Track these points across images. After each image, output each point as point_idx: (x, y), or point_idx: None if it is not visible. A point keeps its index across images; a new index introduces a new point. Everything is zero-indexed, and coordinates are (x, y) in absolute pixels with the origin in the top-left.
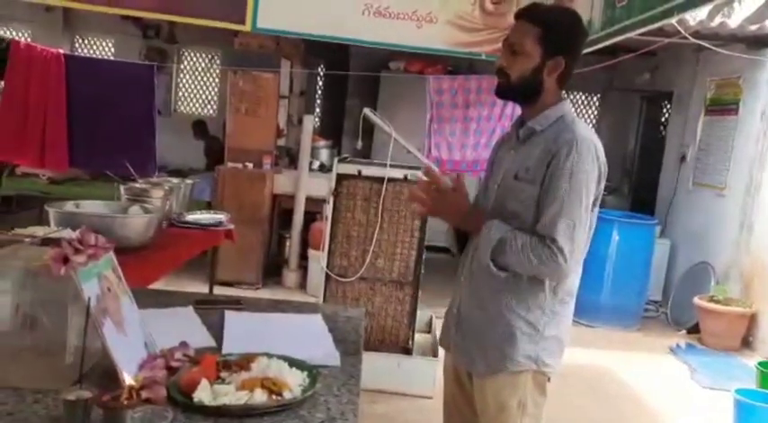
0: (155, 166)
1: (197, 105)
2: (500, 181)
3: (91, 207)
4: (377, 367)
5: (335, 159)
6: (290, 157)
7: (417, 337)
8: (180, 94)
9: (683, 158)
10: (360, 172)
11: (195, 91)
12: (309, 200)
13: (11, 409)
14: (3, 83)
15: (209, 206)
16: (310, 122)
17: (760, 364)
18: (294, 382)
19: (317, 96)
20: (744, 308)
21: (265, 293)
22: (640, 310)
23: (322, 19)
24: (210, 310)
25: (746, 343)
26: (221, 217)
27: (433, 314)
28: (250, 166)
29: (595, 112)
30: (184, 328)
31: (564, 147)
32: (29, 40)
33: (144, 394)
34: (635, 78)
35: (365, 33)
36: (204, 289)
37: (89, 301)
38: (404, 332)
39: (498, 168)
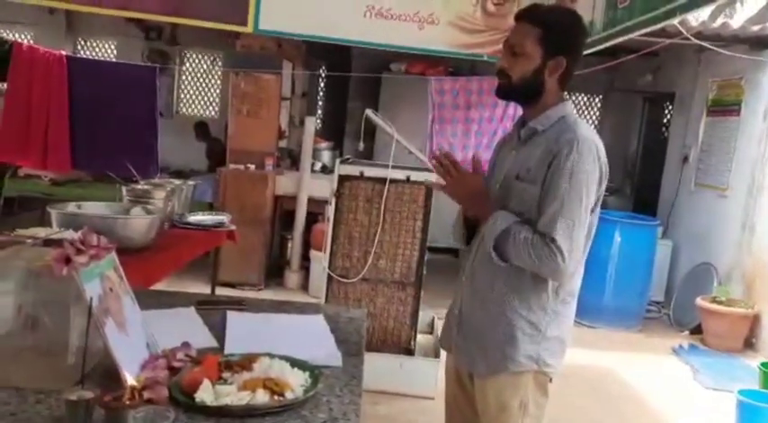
0: (157, 168)
1: (199, 107)
2: (501, 181)
3: (93, 208)
4: (379, 368)
5: (337, 160)
6: (291, 159)
7: (419, 337)
8: (182, 95)
9: (685, 159)
10: (362, 173)
11: (197, 93)
12: (311, 201)
13: (13, 409)
14: (5, 85)
15: (210, 207)
16: (312, 124)
17: (763, 364)
18: (296, 382)
19: (318, 98)
20: (746, 309)
21: (267, 294)
22: (642, 311)
23: (323, 20)
24: (212, 311)
25: (749, 344)
26: (223, 218)
27: (435, 315)
28: (252, 167)
29: (597, 113)
30: (186, 329)
31: (565, 146)
32: (31, 42)
33: (146, 394)
34: (637, 79)
35: (367, 35)
36: (206, 290)
37: (91, 302)
38: (406, 333)
39: (500, 169)
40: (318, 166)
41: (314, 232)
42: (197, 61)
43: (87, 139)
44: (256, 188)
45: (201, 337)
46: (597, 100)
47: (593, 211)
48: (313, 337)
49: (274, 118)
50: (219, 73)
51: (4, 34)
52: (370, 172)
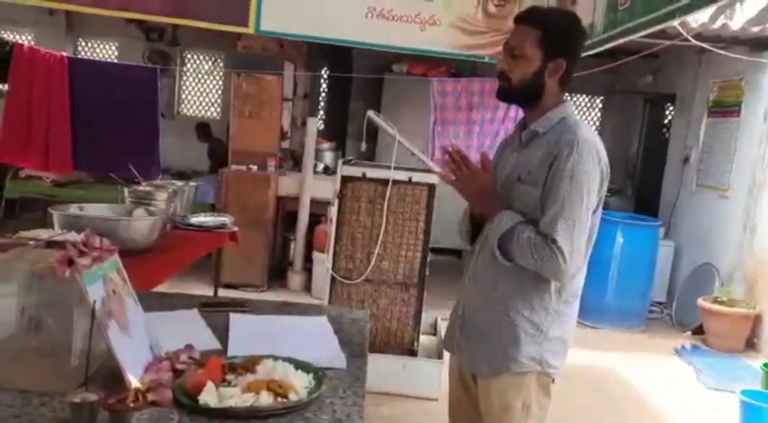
0: (158, 169)
1: (200, 108)
2: (503, 183)
3: (95, 210)
4: (382, 369)
5: (340, 162)
6: (294, 160)
7: (422, 338)
8: (183, 96)
9: (686, 160)
10: (364, 174)
11: (198, 93)
12: (314, 202)
13: (17, 411)
14: (6, 86)
15: (213, 208)
16: (314, 125)
17: (765, 365)
18: (300, 384)
19: (320, 99)
20: (748, 309)
21: (270, 296)
22: (645, 312)
23: (325, 21)
24: (215, 313)
25: (751, 344)
26: (225, 219)
27: (438, 316)
28: (254, 168)
29: (598, 115)
30: (189, 331)
31: (565, 148)
32: (32, 42)
33: (150, 397)
34: (637, 81)
35: (368, 36)
36: (209, 291)
37: (94, 304)
38: (409, 334)
39: (501, 171)
40: (321, 167)
41: (316, 233)
42: (198, 62)
43: (88, 140)
44: (258, 189)
45: (205, 340)
46: (598, 101)
47: (594, 212)
48: (316, 339)
49: (276, 119)
50: (221, 74)
51: (4, 35)
52: (372, 173)
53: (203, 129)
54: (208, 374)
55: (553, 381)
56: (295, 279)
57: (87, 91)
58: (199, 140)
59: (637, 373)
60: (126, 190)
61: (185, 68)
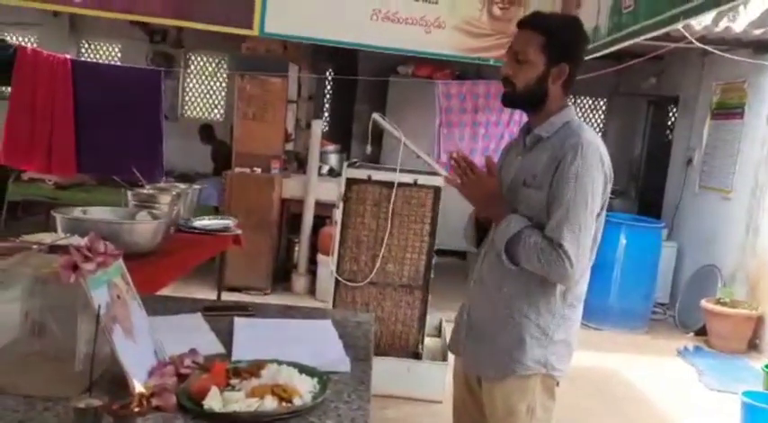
0: (162, 171)
1: (204, 110)
2: (508, 187)
3: (98, 213)
4: (387, 372)
5: (345, 164)
6: (298, 162)
7: (427, 341)
8: (187, 98)
9: (689, 162)
10: (370, 177)
11: (202, 95)
12: (318, 204)
13: (21, 416)
14: (10, 88)
15: (216, 211)
16: (319, 127)
17: (767, 366)
18: (304, 388)
19: (325, 101)
20: (750, 310)
21: (274, 299)
22: (648, 313)
23: (330, 23)
24: (219, 317)
25: (753, 345)
26: (229, 222)
27: (443, 318)
28: (258, 170)
29: (602, 117)
30: (193, 335)
31: (569, 151)
32: (35, 45)
33: (154, 402)
34: (641, 83)
35: (373, 38)
36: (212, 295)
37: (99, 309)
38: (414, 337)
39: (506, 174)
40: (326, 169)
41: (321, 236)
42: (202, 64)
43: (92, 142)
44: (263, 192)
45: (209, 344)
46: (602, 103)
47: (598, 215)
48: (321, 343)
49: (280, 121)
50: (225, 76)
51: (8, 36)
52: (377, 175)
53: (207, 131)
54: (212, 379)
55: (558, 384)
56: (299, 282)
57: (90, 93)
58: (202, 143)
59: (640, 375)
60: (129, 193)
61: (189, 70)
